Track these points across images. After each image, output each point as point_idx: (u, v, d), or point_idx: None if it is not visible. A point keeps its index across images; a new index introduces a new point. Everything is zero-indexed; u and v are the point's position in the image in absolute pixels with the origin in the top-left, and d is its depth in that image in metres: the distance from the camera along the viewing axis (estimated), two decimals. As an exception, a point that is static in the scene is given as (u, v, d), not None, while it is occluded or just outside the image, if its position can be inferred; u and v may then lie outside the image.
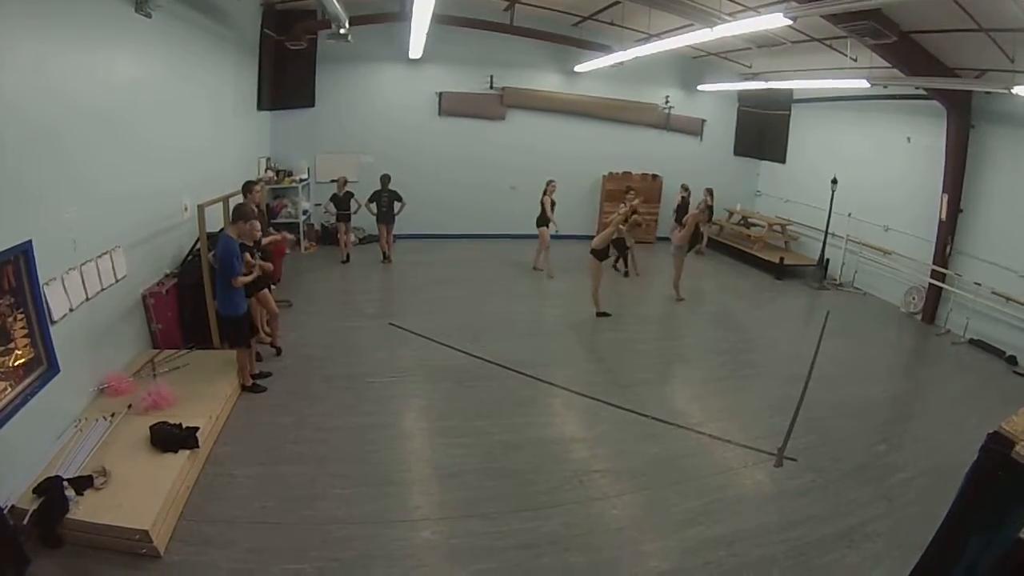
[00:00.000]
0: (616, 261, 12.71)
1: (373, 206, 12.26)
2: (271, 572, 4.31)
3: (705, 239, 15.49)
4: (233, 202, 8.13)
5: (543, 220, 12.23)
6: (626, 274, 12.86)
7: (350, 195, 12.26)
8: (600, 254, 9.80)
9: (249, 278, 6.59)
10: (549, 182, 12.20)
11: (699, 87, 15.80)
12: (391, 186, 12.27)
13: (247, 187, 8.23)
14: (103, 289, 6.05)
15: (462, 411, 6.87)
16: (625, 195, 12.59)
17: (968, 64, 9.21)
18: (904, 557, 4.04)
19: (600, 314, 10.04)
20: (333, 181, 12.50)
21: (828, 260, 13.29)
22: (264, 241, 7.82)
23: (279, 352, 7.89)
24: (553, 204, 12.20)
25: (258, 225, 7.18)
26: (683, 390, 8.02)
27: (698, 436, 6.60)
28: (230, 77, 10.46)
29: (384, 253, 12.87)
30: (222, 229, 7.83)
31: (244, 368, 6.90)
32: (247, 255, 6.78)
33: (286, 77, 12.83)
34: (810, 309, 11.88)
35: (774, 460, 6.19)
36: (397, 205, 12.33)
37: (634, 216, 10.70)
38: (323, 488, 5.31)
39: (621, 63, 12.30)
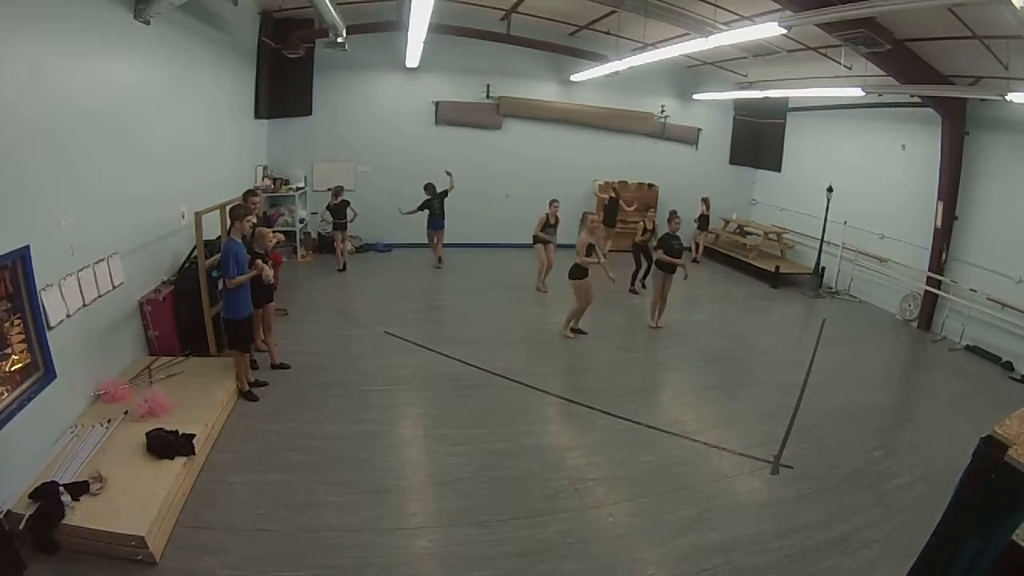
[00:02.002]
0: (636, 277, 12.38)
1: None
2: (267, 579, 4.31)
3: (701, 249, 15.52)
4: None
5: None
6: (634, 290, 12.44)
7: (346, 203, 12.34)
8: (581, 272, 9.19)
9: (244, 278, 6.58)
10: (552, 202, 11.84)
11: (695, 96, 15.88)
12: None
13: (247, 195, 8.23)
14: (100, 295, 6.05)
15: (458, 419, 6.87)
16: (647, 212, 12.48)
17: (962, 71, 9.28)
18: (900, 563, 4.03)
19: (576, 331, 9.68)
20: (329, 190, 12.54)
21: (824, 268, 13.34)
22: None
23: (285, 367, 7.77)
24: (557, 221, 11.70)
25: (269, 233, 7.24)
26: (678, 398, 8.03)
27: (693, 444, 6.60)
28: (228, 85, 10.49)
29: (440, 258, 13.28)
30: (219, 237, 7.87)
31: (241, 372, 6.92)
32: (258, 261, 6.86)
33: (283, 85, 12.83)
34: (806, 317, 11.92)
35: (770, 467, 6.19)
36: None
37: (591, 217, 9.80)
38: (319, 496, 5.30)
39: (617, 72, 12.33)
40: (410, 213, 12.41)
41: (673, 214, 10.38)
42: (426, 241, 13.30)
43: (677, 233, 10.05)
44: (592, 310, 9.56)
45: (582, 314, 9.60)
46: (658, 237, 10.39)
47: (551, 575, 4.58)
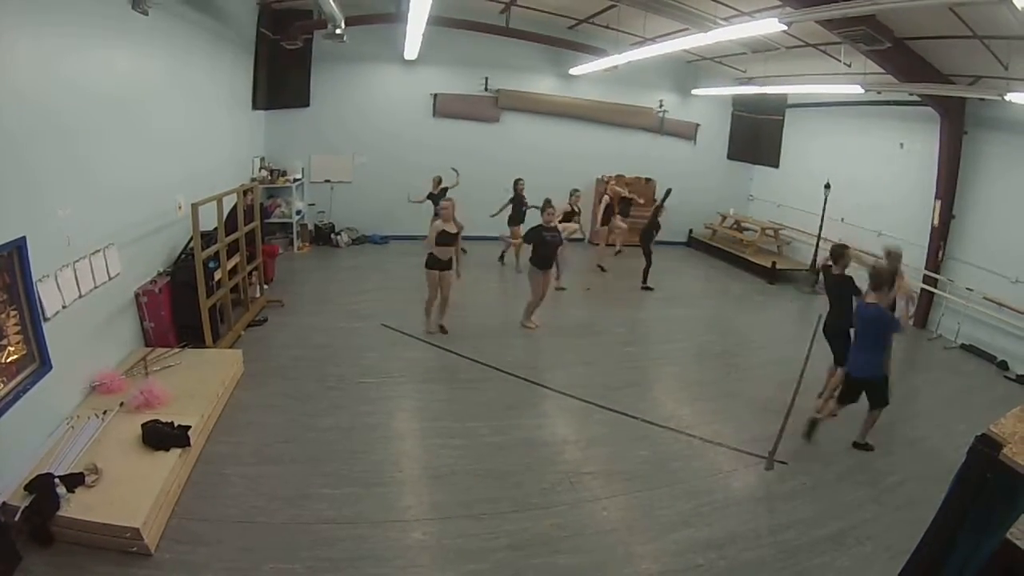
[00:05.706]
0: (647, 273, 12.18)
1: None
2: (261, 571, 4.31)
3: (619, 241, 14.75)
4: (227, 201, 8.11)
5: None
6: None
7: (445, 190, 12.41)
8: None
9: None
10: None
11: (693, 91, 15.85)
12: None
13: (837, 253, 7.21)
14: (96, 287, 6.02)
15: (453, 412, 6.87)
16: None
17: (962, 71, 9.27)
18: (894, 560, 4.06)
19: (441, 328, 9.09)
20: (433, 178, 12.67)
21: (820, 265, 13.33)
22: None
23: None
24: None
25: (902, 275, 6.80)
26: (674, 393, 8.03)
27: (689, 439, 6.61)
28: (225, 76, 10.44)
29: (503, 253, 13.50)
30: (215, 228, 7.81)
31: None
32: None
33: (281, 77, 12.80)
34: (802, 313, 11.91)
35: (765, 463, 6.20)
36: None
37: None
38: (314, 488, 5.30)
39: (616, 67, 12.33)
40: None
41: (547, 203, 9.48)
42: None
43: (551, 225, 9.21)
44: (592, 305, 9.52)
45: (437, 309, 9.08)
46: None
47: (545, 568, 4.59)
